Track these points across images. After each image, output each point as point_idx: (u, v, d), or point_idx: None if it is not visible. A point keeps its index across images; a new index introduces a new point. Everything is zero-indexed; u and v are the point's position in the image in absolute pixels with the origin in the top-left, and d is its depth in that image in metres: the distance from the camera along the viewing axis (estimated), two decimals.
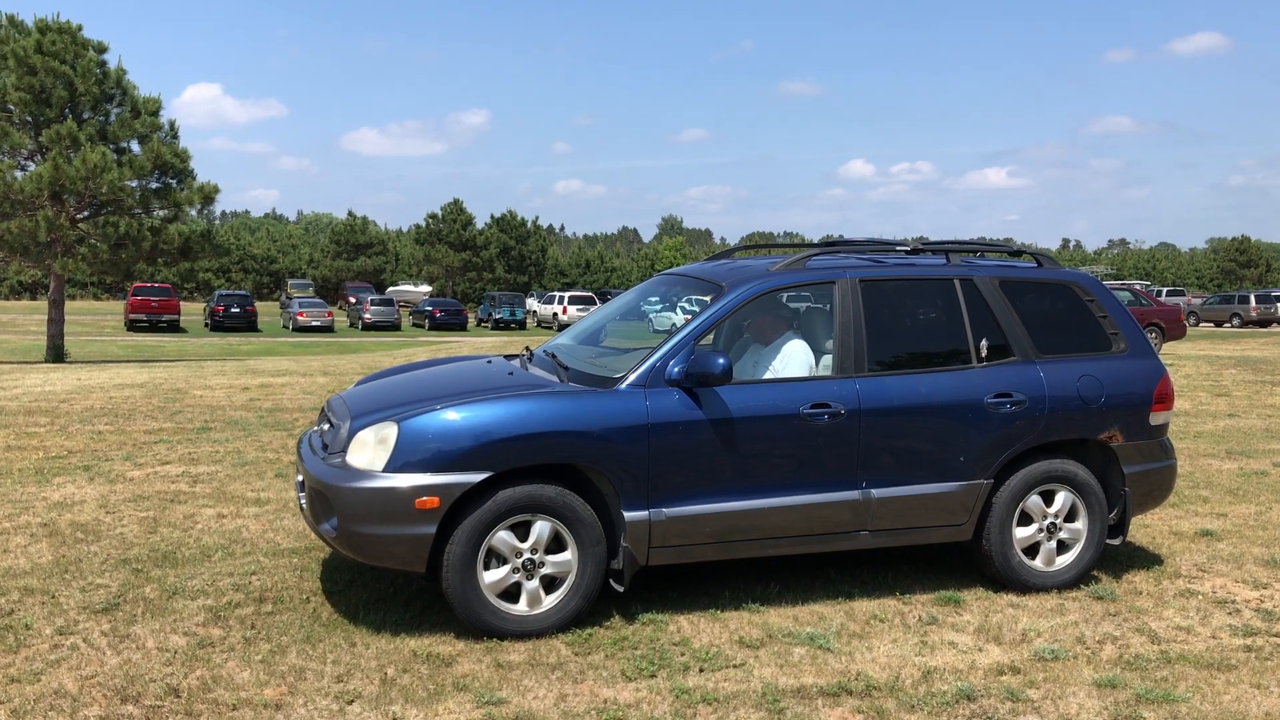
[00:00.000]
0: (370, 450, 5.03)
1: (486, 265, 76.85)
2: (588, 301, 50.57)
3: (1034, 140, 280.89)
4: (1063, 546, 5.97)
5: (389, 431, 5.01)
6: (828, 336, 5.82)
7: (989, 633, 5.20)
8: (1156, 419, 6.14)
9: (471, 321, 54.14)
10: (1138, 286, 39.56)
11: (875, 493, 5.56)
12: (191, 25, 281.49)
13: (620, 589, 5.24)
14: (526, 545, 5.04)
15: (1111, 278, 73.85)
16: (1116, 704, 4.38)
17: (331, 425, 5.56)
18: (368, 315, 50.17)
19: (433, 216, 77.50)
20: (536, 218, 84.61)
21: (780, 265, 5.84)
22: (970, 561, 6.08)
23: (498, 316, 52.30)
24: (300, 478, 5.64)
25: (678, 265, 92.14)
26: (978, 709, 4.32)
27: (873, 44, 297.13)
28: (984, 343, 5.88)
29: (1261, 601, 5.77)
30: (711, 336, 5.81)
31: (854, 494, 5.53)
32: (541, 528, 5.05)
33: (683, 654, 4.84)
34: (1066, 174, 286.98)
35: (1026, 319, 6.01)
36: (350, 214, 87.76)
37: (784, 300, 6.03)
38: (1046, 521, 5.92)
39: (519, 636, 4.99)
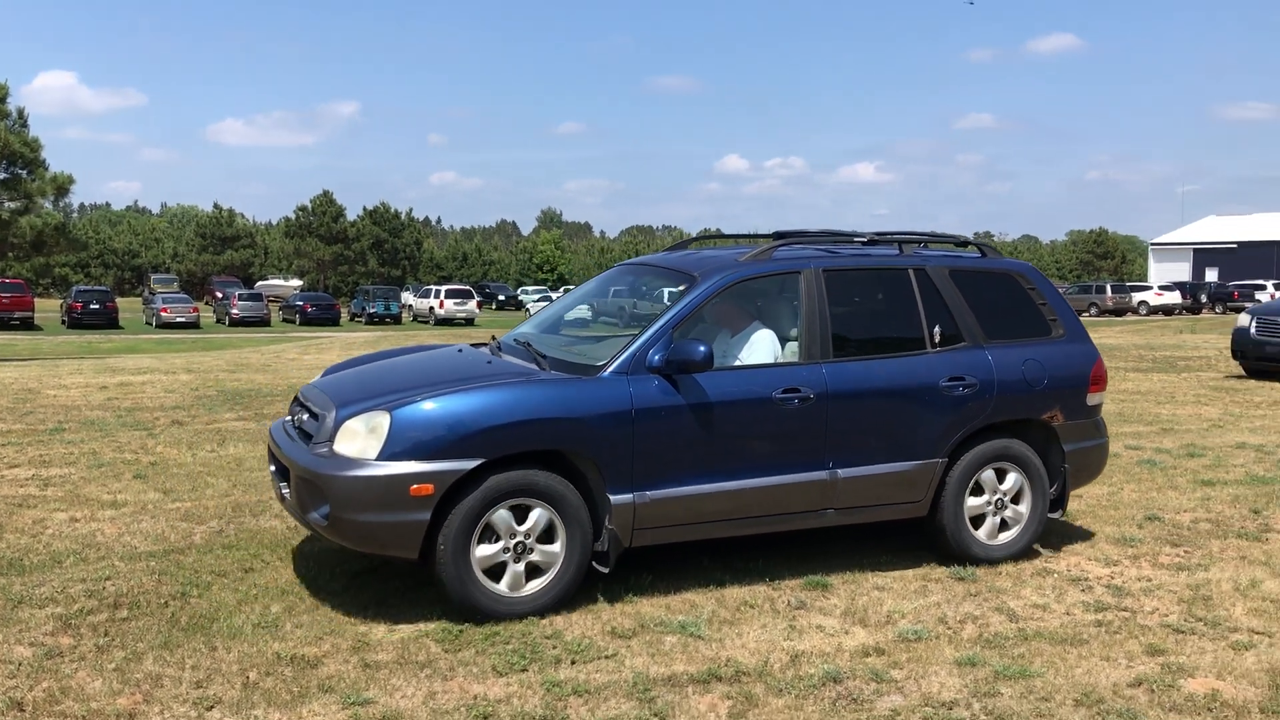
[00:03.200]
0: (362, 439, 5.10)
1: (359, 258, 75.48)
2: (465, 295, 50.09)
3: (902, 136, 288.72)
4: (1006, 522, 6.33)
5: (381, 420, 5.08)
6: (791, 325, 6.04)
7: (855, 615, 5.31)
8: (1092, 399, 6.57)
9: (344, 316, 53.03)
10: None
11: (841, 472, 5.82)
12: (42, 10, 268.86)
13: (605, 570, 5.37)
14: (523, 529, 5.19)
15: None
16: (976, 681, 4.51)
17: (312, 415, 5.61)
18: (235, 311, 48.72)
19: (303, 209, 75.76)
20: (411, 210, 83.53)
21: (748, 256, 6.06)
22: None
23: (372, 311, 51.38)
24: (274, 467, 5.85)
25: (555, 258, 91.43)
26: (843, 691, 4.41)
27: (746, 40, 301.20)
28: (937, 329, 6.19)
29: (1112, 578, 6.02)
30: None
31: (822, 474, 5.78)
32: (538, 515, 5.21)
33: (555, 647, 4.81)
34: (933, 169, 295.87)
35: (974, 306, 6.34)
36: (216, 206, 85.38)
37: (751, 290, 6.19)
38: (995, 497, 6.28)
39: (504, 618, 5.11)
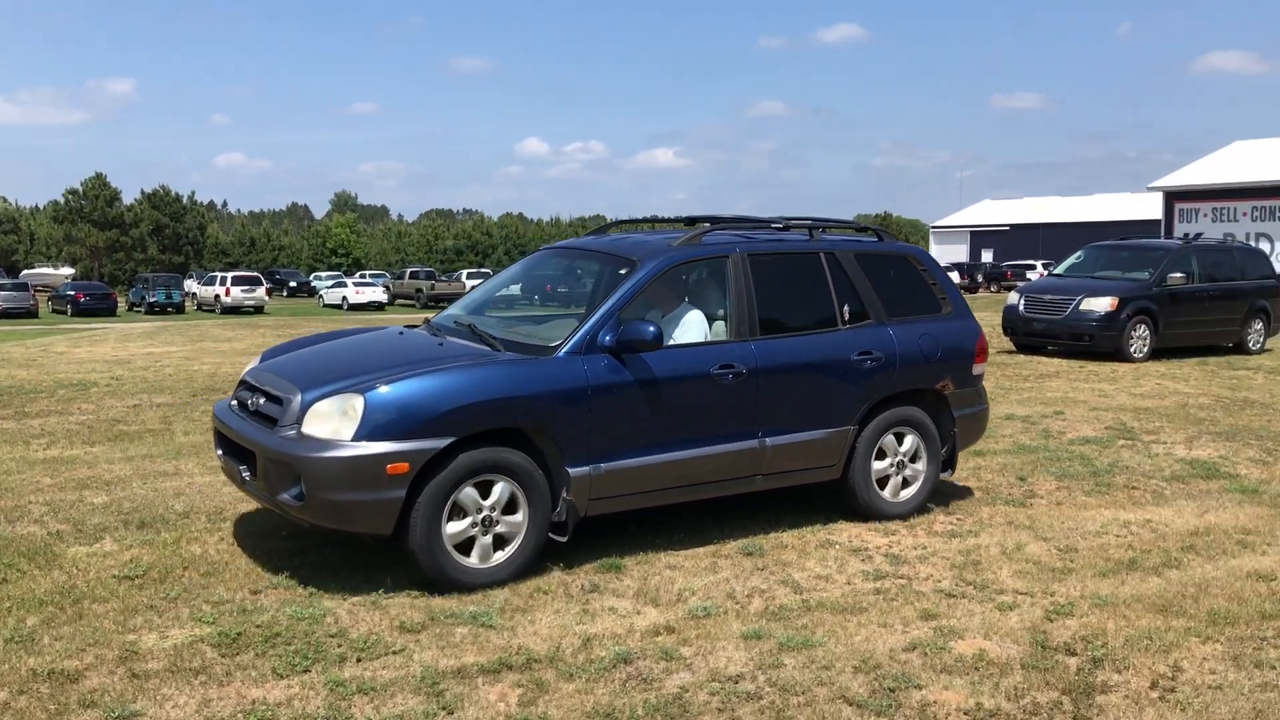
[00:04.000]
0: (334, 420, 5.25)
1: (137, 245, 71.41)
2: (253, 282, 47.95)
3: (698, 122, 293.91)
4: (907, 481, 6.94)
5: (354, 402, 5.24)
6: (718, 305, 6.45)
7: (647, 595, 5.35)
8: (977, 369, 7.27)
9: (123, 305, 50.03)
10: None
11: (769, 441, 6.30)
12: None
13: (563, 539, 5.68)
14: (488, 503, 5.43)
15: None
16: (761, 654, 4.62)
17: (271, 398, 5.68)
18: None
19: (73, 192, 71.08)
20: (194, 193, 79.46)
21: (681, 241, 6.41)
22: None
23: (152, 300, 48.57)
24: (223, 450, 5.99)
25: (349, 243, 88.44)
26: (633, 671, 4.43)
27: (544, 22, 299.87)
28: (846, 308, 6.74)
29: (890, 547, 6.28)
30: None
31: (753, 443, 6.25)
32: (501, 489, 5.46)
33: (339, 645, 4.65)
34: (729, 155, 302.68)
35: (876, 286, 6.90)
36: None
37: (683, 272, 6.55)
38: (897, 459, 6.89)
39: (473, 589, 5.34)
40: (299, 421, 5.36)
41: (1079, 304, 16.55)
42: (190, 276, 59.76)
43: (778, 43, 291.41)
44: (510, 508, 5.51)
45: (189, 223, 76.13)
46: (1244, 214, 38.23)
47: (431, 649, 4.63)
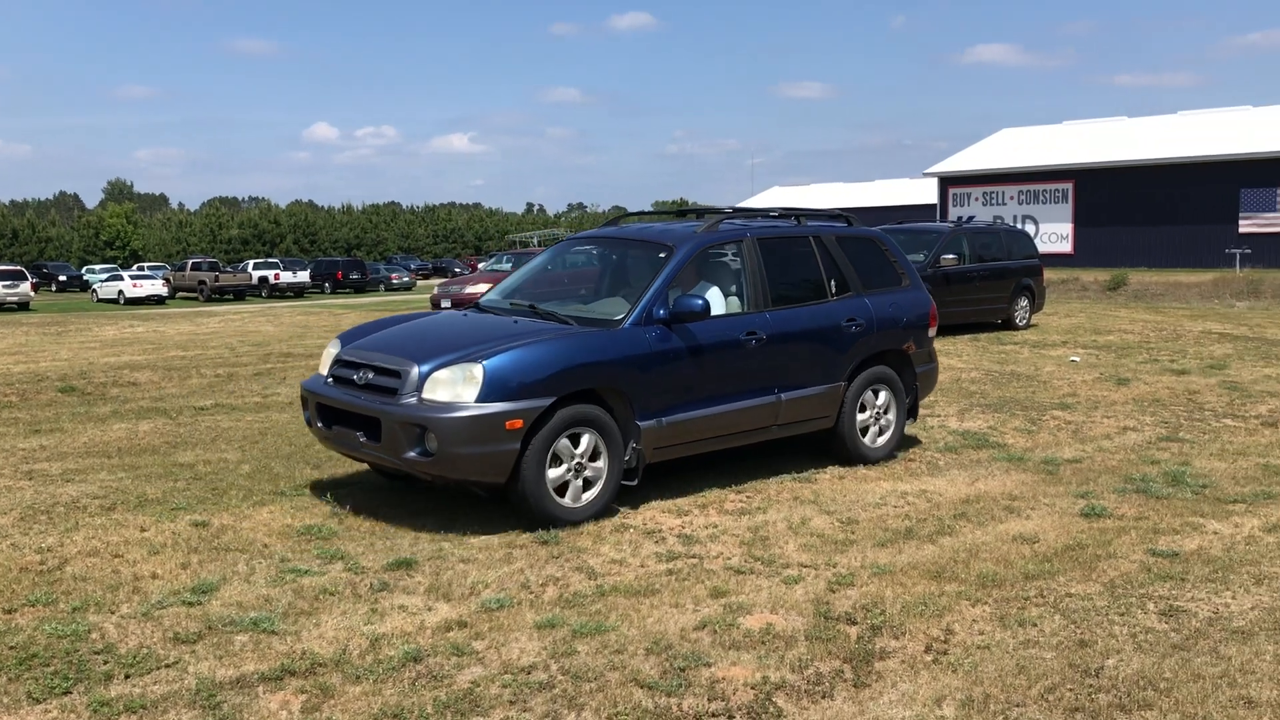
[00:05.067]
0: (457, 386, 6.14)
1: None
2: (17, 277, 44.49)
3: (493, 108, 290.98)
4: (882, 430, 8.18)
5: (474, 370, 6.14)
6: (730, 282, 7.54)
7: (439, 591, 5.25)
8: (930, 333, 8.58)
9: None
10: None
11: (783, 396, 7.45)
12: None
13: (634, 483, 6.68)
14: (578, 452, 6.40)
15: None
16: (554, 642, 4.60)
17: (382, 371, 6.49)
18: None
19: None
20: None
21: (704, 228, 7.50)
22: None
23: None
24: (323, 422, 6.78)
25: (126, 233, 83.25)
26: (424, 669, 4.33)
27: (328, 4, 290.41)
28: (833, 282, 7.93)
29: (683, 528, 6.37)
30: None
31: (772, 398, 7.38)
32: (588, 440, 6.44)
33: (105, 662, 4.36)
34: (525, 141, 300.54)
35: (854, 264, 8.11)
36: None
37: (707, 255, 7.55)
38: (875, 411, 8.10)
39: (569, 524, 6.30)
40: (419, 389, 6.21)
41: None
42: None
43: (570, 29, 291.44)
44: (594, 456, 6.48)
45: None
46: (1011, 197, 40.65)
47: (208, 659, 4.40)
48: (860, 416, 8.00)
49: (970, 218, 21.58)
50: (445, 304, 23.91)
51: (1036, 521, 6.49)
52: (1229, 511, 6.71)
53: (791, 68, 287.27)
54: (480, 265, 29.37)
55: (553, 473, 6.30)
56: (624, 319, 6.78)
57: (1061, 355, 14.88)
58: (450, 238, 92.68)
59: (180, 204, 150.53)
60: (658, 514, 6.66)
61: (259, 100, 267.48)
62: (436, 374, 6.22)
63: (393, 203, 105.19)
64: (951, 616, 4.92)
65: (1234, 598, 5.19)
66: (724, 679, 4.25)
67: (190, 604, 5.03)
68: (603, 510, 6.52)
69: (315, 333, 19.88)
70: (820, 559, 5.77)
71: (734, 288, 7.52)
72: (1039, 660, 4.45)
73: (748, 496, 7.10)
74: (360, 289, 52.50)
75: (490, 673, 4.30)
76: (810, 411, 7.67)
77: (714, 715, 3.97)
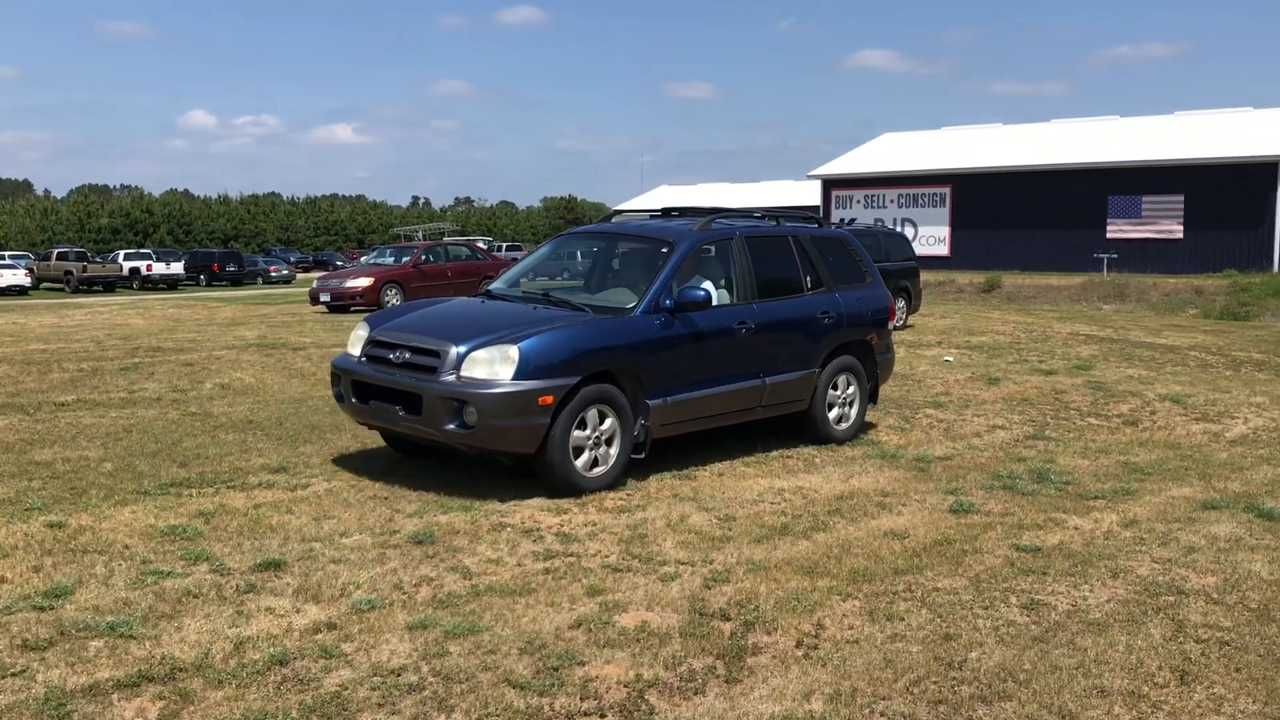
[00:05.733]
0: (495, 365, 6.74)
1: None
2: None
3: (379, 99, 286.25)
4: (847, 414, 8.97)
5: (510, 351, 6.75)
6: (720, 276, 8.24)
7: (309, 592, 5.12)
8: (890, 325, 9.45)
9: None
10: (480, 244, 42.00)
11: (768, 380, 8.21)
12: None
13: (641, 456, 7.35)
14: (601, 427, 7.09)
15: (456, 234, 77.87)
16: (426, 644, 4.52)
17: (419, 351, 7.08)
18: None
19: None
20: None
21: (698, 226, 8.27)
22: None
23: None
24: (358, 398, 7.34)
25: None
26: (290, 673, 4.21)
27: None
28: (809, 278, 8.73)
29: (562, 526, 6.34)
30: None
31: (758, 381, 8.13)
32: (605, 416, 7.10)
33: None
34: (412, 133, 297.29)
35: (825, 261, 8.91)
36: None
37: (700, 251, 8.21)
38: (842, 396, 8.90)
39: (589, 493, 6.96)
40: (457, 368, 6.80)
41: None
42: None
43: (458, 22, 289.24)
44: (609, 431, 7.12)
45: None
46: (892, 200, 41.62)
47: (59, 666, 4.21)
48: (830, 397, 8.79)
49: (851, 220, 22.02)
50: (324, 297, 23.44)
51: (907, 517, 6.64)
52: (1090, 507, 6.97)
53: (681, 68, 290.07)
54: (362, 259, 28.77)
55: (575, 445, 6.92)
56: (635, 307, 7.48)
57: (936, 355, 15.27)
58: (332, 230, 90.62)
59: (46, 191, 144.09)
60: (537, 512, 6.61)
61: (132, 85, 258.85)
62: (475, 354, 6.82)
63: (273, 193, 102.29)
64: (823, 612, 5.00)
65: (1091, 591, 5.38)
66: (597, 678, 4.24)
67: (41, 609, 4.80)
68: (614, 481, 7.17)
69: (187, 326, 19.25)
70: (697, 556, 5.80)
71: (724, 281, 8.22)
72: (905, 654, 4.54)
73: (627, 494, 7.10)
74: (237, 281, 51.05)
75: (359, 675, 4.21)
76: (789, 394, 8.43)
77: (586, 714, 3.96)
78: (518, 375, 6.67)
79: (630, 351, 7.23)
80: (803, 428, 8.76)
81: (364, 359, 7.48)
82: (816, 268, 8.80)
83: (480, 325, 7.23)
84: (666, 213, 9.08)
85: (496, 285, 8.73)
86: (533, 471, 7.05)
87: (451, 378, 6.79)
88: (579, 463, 6.99)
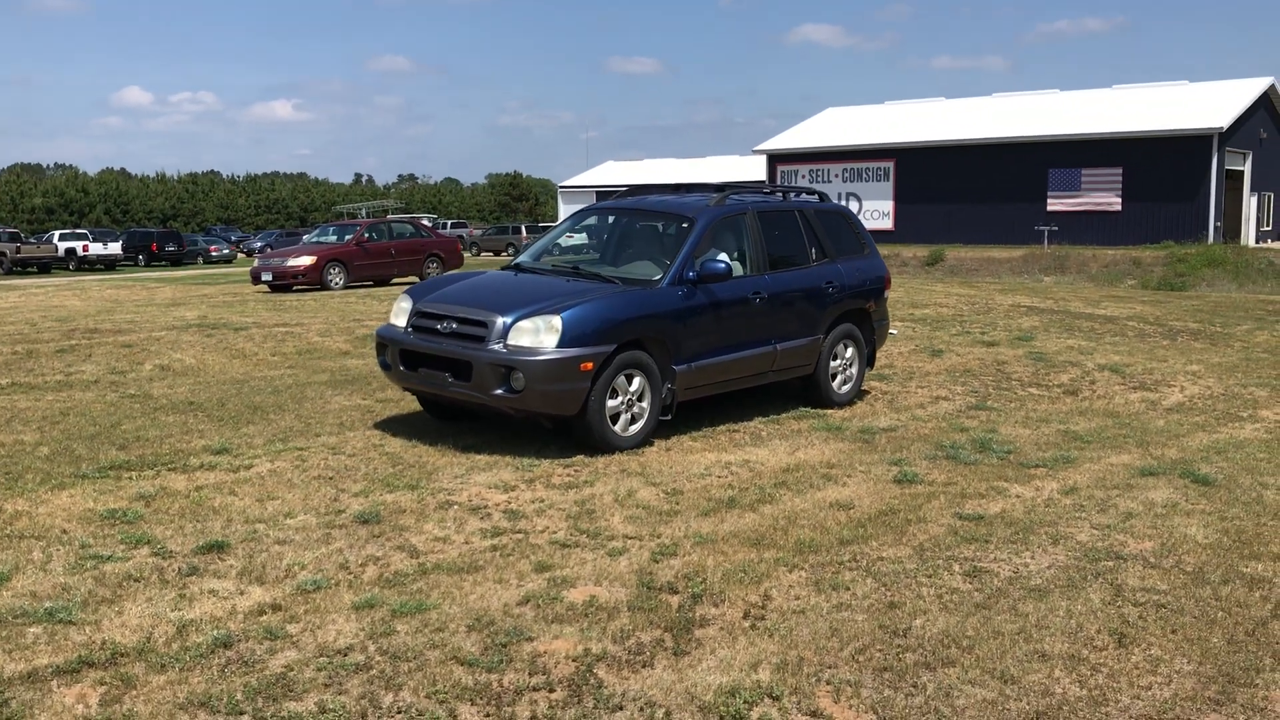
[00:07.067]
0: (540, 334, 7.25)
1: None
2: None
3: (318, 75, 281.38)
4: (849, 378, 9.53)
5: (554, 321, 7.26)
6: (734, 249, 8.71)
7: (252, 574, 5.06)
8: (886, 293, 10.03)
9: None
10: (426, 221, 41.63)
11: (779, 346, 8.73)
12: None
13: (668, 418, 7.91)
14: (631, 390, 7.63)
15: (400, 212, 77.07)
16: (373, 623, 4.49)
17: (466, 321, 7.58)
18: None
19: None
20: None
21: (714, 202, 8.75)
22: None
23: None
24: (404, 366, 7.85)
25: None
26: (234, 655, 4.17)
27: None
28: (814, 250, 9.28)
29: (509, 503, 6.32)
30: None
31: (770, 348, 8.66)
32: (638, 380, 7.66)
33: None
34: (353, 110, 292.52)
35: (828, 234, 9.47)
36: None
37: (717, 225, 8.60)
38: (842, 361, 9.44)
39: (622, 450, 7.51)
40: (504, 337, 7.29)
41: None
42: None
43: None
44: (641, 395, 7.68)
45: None
46: (836, 175, 41.85)
47: None
48: (832, 365, 9.28)
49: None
50: (266, 277, 23.10)
51: (852, 488, 6.70)
52: (1031, 476, 7.08)
53: (624, 43, 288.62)
54: (305, 238, 28.36)
55: (611, 407, 7.48)
56: (661, 279, 7.99)
57: None
58: (274, 208, 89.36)
59: None
60: (484, 490, 6.58)
61: (64, 61, 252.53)
62: (520, 323, 7.30)
63: (212, 172, 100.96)
64: (770, 583, 5.03)
65: (1033, 558, 5.47)
66: (545, 653, 4.24)
67: None
68: (644, 440, 7.73)
69: (126, 307, 18.88)
70: (645, 530, 5.82)
71: (737, 254, 8.69)
72: (851, 623, 4.59)
73: (575, 470, 7.09)
74: (177, 261, 50.21)
75: (305, 656, 4.18)
76: (798, 360, 8.95)
77: (535, 689, 3.96)
78: (561, 343, 7.18)
79: (659, 320, 7.76)
80: (807, 391, 9.30)
81: (410, 330, 7.91)
82: (820, 240, 9.33)
83: (521, 297, 7.70)
84: (678, 188, 9.63)
85: (523, 259, 9.24)
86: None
87: (499, 346, 7.28)
88: (616, 426, 7.52)
